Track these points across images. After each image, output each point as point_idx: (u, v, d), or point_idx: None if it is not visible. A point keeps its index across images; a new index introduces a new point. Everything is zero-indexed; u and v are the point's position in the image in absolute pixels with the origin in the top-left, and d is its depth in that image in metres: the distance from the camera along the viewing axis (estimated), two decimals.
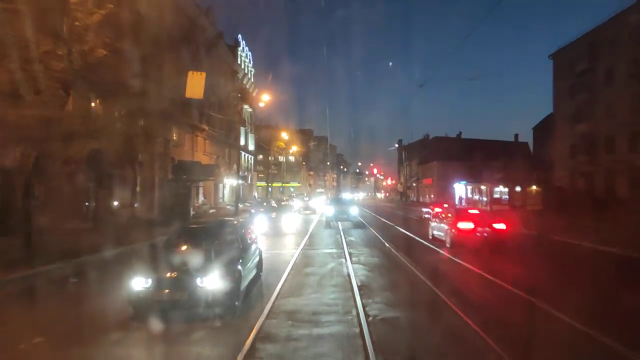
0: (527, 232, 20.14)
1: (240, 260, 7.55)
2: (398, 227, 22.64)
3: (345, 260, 12.31)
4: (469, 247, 13.75)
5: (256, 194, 56.95)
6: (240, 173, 36.98)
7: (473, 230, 14.20)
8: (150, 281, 6.48)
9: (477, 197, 45.86)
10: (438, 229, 16.48)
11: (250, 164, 55.48)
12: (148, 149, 24.16)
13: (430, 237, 16.88)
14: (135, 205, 21.92)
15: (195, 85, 14.02)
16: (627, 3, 32.94)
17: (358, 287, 8.79)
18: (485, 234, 14.09)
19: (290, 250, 14.39)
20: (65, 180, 15.79)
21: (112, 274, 9.78)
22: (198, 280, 6.46)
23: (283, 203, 40.18)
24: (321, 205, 44.06)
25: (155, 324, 6.09)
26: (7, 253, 11.23)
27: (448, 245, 14.80)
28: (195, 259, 6.90)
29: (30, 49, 10.04)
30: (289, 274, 10.21)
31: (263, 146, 61.65)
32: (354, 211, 25.30)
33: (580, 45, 39.76)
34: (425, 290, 8.75)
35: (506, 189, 43.35)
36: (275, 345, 5.68)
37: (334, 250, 14.47)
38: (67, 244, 12.68)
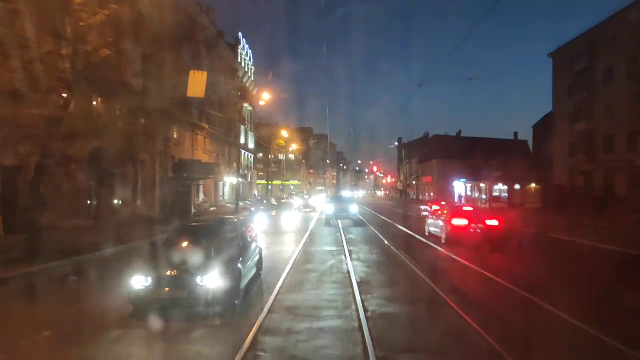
0: (526, 230, 20.30)
1: (240, 259, 7.54)
2: (397, 225, 22.86)
3: (345, 257, 12.47)
4: (463, 243, 14.08)
5: (256, 192, 57.11)
6: (240, 171, 37.09)
7: (467, 227, 14.64)
8: (150, 280, 6.48)
9: (476, 195, 46.06)
10: (434, 225, 16.88)
11: (250, 162, 55.62)
12: (149, 148, 24.33)
13: (427, 234, 17.30)
14: (137, 203, 22.06)
15: (197, 84, 14.15)
16: (626, 2, 33.04)
17: (357, 283, 8.95)
18: (478, 230, 14.54)
19: (290, 248, 14.55)
20: (67, 178, 15.94)
21: (113, 271, 9.89)
22: (198, 279, 6.46)
23: (283, 201, 40.33)
24: (321, 203, 44.21)
25: (156, 322, 6.14)
26: (11, 251, 11.41)
27: (443, 241, 15.22)
28: (195, 257, 6.91)
29: (35, 49, 10.19)
30: (289, 271, 10.35)
31: (263, 144, 61.77)
32: (354, 209, 25.44)
33: (580, 44, 39.86)
34: (422, 285, 8.97)
35: (505, 187, 43.58)
36: (277, 338, 5.84)
37: (334, 248, 14.63)
38: (70, 242, 12.86)
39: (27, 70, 10.11)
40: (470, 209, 17.35)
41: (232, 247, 7.77)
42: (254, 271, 8.86)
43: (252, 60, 54.62)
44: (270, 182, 61.30)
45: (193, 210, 27.96)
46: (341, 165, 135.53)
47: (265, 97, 37.52)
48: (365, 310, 6.95)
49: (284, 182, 74.73)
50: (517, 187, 42.91)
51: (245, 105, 47.61)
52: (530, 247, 15.48)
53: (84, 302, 7.88)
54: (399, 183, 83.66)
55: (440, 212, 17.27)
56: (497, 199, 43.02)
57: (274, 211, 31.18)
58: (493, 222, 14.90)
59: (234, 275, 6.90)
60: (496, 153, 48.22)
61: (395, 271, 10.95)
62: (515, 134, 66.70)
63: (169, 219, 19.25)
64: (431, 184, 64.90)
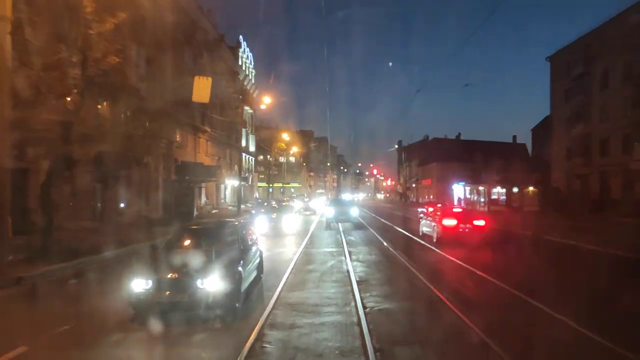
0: (520, 232, 20.79)
1: (241, 262, 7.53)
2: (395, 227, 23.45)
3: (345, 258, 12.88)
4: (452, 242, 15.09)
5: (257, 195, 57.51)
6: (241, 174, 37.51)
7: (456, 227, 15.67)
8: (150, 283, 6.47)
9: (475, 197, 46.50)
10: (427, 226, 17.94)
11: (251, 164, 56.03)
12: (152, 150, 24.74)
13: (421, 234, 18.29)
14: (142, 205, 22.46)
15: (202, 89, 14.60)
16: (623, 6, 33.46)
17: (357, 282, 9.37)
18: (467, 230, 15.59)
19: (291, 249, 14.95)
20: (74, 181, 16.34)
21: (120, 272, 10.17)
22: (198, 282, 6.44)
23: (283, 204, 40.64)
24: (321, 206, 44.53)
25: (156, 325, 6.16)
26: (22, 251, 11.79)
27: (435, 240, 16.14)
28: (195, 260, 6.88)
29: (47, 56, 10.64)
30: (291, 271, 10.74)
31: (264, 147, 62.20)
32: (354, 212, 25.67)
33: (577, 48, 40.28)
34: (417, 283, 9.49)
35: (504, 190, 44.02)
36: (281, 331, 6.26)
37: (334, 249, 15.04)
38: (78, 243, 13.25)
39: (40, 76, 10.57)
40: (459, 210, 18.51)
41: (233, 250, 7.79)
42: (254, 274, 8.88)
43: (252, 63, 55.14)
44: (270, 185, 61.74)
45: (195, 213, 28.35)
46: (341, 167, 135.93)
47: (266, 101, 38.02)
48: (364, 307, 7.37)
49: (284, 185, 75.17)
50: (515, 190, 43.36)
51: (246, 108, 48.04)
52: (520, 247, 16.17)
53: (93, 301, 8.15)
54: (398, 186, 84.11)
55: (432, 213, 18.29)
56: (496, 201, 43.49)
57: (275, 214, 31.54)
58: (480, 222, 15.97)
59: (235, 278, 6.89)
60: (495, 156, 48.64)
61: (392, 270, 11.44)
62: (514, 137, 67.25)
63: (172, 221, 19.63)
64: (430, 186, 65.32)
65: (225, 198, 44.26)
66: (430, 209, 20.64)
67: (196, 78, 15.08)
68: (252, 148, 55.48)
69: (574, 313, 6.42)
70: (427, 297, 8.18)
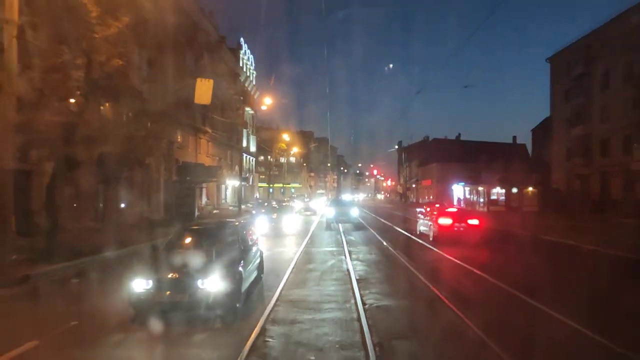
0: (520, 232, 20.96)
1: (242, 262, 7.57)
2: (394, 226, 23.80)
3: (345, 257, 13.07)
4: (448, 240, 15.75)
5: (257, 195, 57.69)
6: (242, 174, 37.69)
7: (451, 226, 16.31)
8: (151, 283, 6.49)
9: (475, 198, 46.64)
10: (424, 225, 18.59)
11: (252, 165, 56.22)
12: (154, 152, 24.91)
13: (418, 233, 18.95)
14: (144, 206, 22.64)
15: (204, 91, 14.79)
16: (624, 6, 33.60)
17: (356, 280, 9.56)
18: (461, 228, 16.21)
19: (292, 249, 15.12)
20: (78, 182, 16.51)
21: (123, 271, 10.36)
22: (199, 282, 6.46)
23: (284, 204, 40.76)
24: (322, 206, 44.69)
25: (156, 325, 6.19)
26: (26, 251, 11.96)
27: (431, 238, 16.82)
28: (196, 260, 6.90)
29: (51, 59, 10.82)
30: (292, 269, 10.92)
31: (264, 148, 62.41)
32: (355, 212, 25.75)
33: (577, 49, 40.43)
34: (415, 281, 9.74)
35: (503, 191, 44.17)
36: (284, 326, 6.44)
37: (334, 249, 15.22)
38: (81, 243, 13.43)
39: (44, 78, 10.75)
40: (455, 210, 19.07)
41: (233, 250, 7.81)
42: (255, 274, 8.90)
43: (253, 64, 55.35)
44: (271, 185, 61.99)
45: (197, 213, 28.53)
46: (342, 168, 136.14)
47: (267, 102, 38.21)
48: (363, 304, 7.56)
49: (285, 185, 75.36)
50: (515, 190, 43.51)
51: (247, 108, 48.25)
52: (514, 246, 16.64)
53: (97, 299, 8.29)
54: (398, 186, 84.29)
55: (428, 213, 18.93)
56: (495, 202, 43.63)
57: (275, 214, 31.69)
58: (474, 222, 16.56)
59: (235, 278, 6.90)
60: (495, 156, 48.77)
61: (391, 269, 11.66)
62: (514, 137, 67.42)
63: (174, 222, 19.79)
64: (431, 187, 65.49)
65: (226, 198, 44.45)
66: (429, 209, 21.06)
67: (198, 80, 15.28)
68: (252, 149, 55.66)
69: (560, 305, 6.86)
70: (424, 294, 8.44)
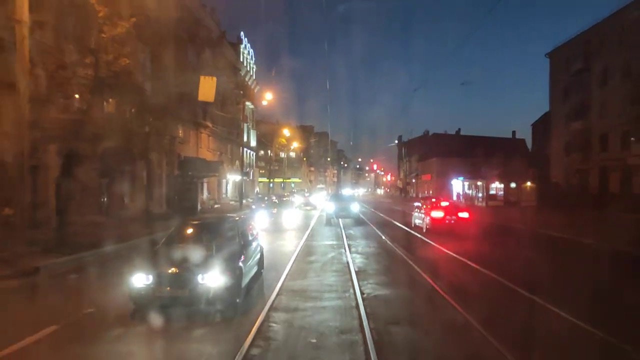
0: (516, 226, 21.43)
1: (242, 257, 7.59)
2: (393, 221, 24.39)
3: (345, 250, 13.48)
4: (440, 232, 16.92)
5: (258, 190, 58.07)
6: (242, 169, 38.05)
7: (443, 218, 17.61)
8: (151, 277, 6.51)
9: (473, 193, 47.02)
10: (418, 218, 19.82)
11: (252, 159, 56.53)
12: (156, 146, 25.25)
13: (413, 225, 20.14)
14: (146, 200, 23.02)
15: (207, 89, 15.09)
16: (623, 3, 33.75)
17: (355, 271, 9.97)
18: (452, 221, 17.51)
19: (293, 242, 15.54)
20: (83, 177, 16.88)
21: (132, 262, 10.72)
22: (199, 277, 6.47)
23: (284, 199, 41.10)
24: (322, 201, 45.06)
25: (157, 320, 6.30)
26: (36, 244, 12.36)
27: (424, 230, 18.08)
28: (196, 255, 6.93)
29: (61, 58, 11.16)
30: (293, 262, 11.33)
31: (264, 142, 62.67)
32: (355, 207, 25.83)
33: (576, 45, 40.59)
34: (411, 272, 10.23)
35: (502, 185, 44.55)
36: (287, 313, 6.85)
37: (334, 242, 15.63)
38: (87, 236, 13.83)
39: (53, 76, 11.09)
40: (446, 203, 20.10)
41: (233, 245, 7.83)
42: (255, 269, 8.93)
43: (253, 58, 55.50)
44: (271, 180, 62.33)
45: (199, 207, 28.91)
46: (342, 163, 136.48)
47: (267, 97, 38.45)
48: (362, 293, 7.99)
49: (285, 180, 75.65)
50: (513, 185, 43.88)
51: (247, 103, 48.50)
52: (506, 239, 17.43)
53: (108, 289, 8.53)
54: (398, 181, 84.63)
55: (422, 207, 20.04)
56: (494, 196, 44.01)
57: (275, 209, 32.08)
58: (464, 215, 17.94)
59: (235, 273, 6.91)
60: (494, 151, 49.07)
61: (389, 261, 12.12)
62: (513, 132, 67.65)
63: (176, 216, 20.17)
64: (430, 181, 65.83)
65: (226, 193, 44.83)
66: (423, 203, 21.82)
67: (202, 78, 15.56)
68: (253, 143, 55.95)
69: (534, 286, 7.90)
70: (419, 285, 8.92)
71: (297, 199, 44.60)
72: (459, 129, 68.44)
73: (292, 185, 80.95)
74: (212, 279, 6.50)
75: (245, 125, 47.39)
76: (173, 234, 8.48)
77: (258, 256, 9.51)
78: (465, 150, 56.23)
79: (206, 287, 6.47)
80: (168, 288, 6.54)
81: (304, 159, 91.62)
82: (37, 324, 6.19)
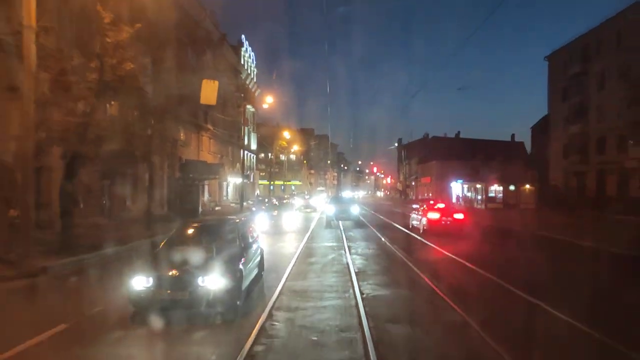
0: (515, 228, 21.69)
1: (242, 260, 7.57)
2: (392, 223, 24.66)
3: (345, 251, 13.67)
4: (436, 232, 17.47)
5: (258, 192, 58.24)
6: (243, 172, 38.24)
7: (439, 220, 18.14)
8: (151, 280, 6.48)
9: (473, 195, 47.23)
10: (415, 219, 20.33)
11: (253, 162, 56.72)
12: (158, 149, 25.44)
13: (410, 227, 20.63)
14: (148, 202, 23.19)
15: (209, 92, 15.30)
16: (622, 6, 34.04)
17: (355, 272, 10.16)
18: (448, 222, 18.08)
19: (293, 244, 15.71)
20: (87, 179, 17.09)
21: (135, 263, 10.89)
22: (199, 280, 6.46)
23: (284, 201, 41.33)
24: (322, 203, 45.20)
25: (157, 322, 6.28)
26: (42, 245, 12.54)
27: (421, 231, 18.58)
28: (196, 258, 6.91)
29: (66, 61, 11.38)
30: (294, 263, 11.51)
31: (265, 145, 62.88)
32: (355, 210, 25.95)
33: (574, 48, 40.90)
34: (409, 273, 10.46)
35: (501, 188, 44.78)
36: (288, 312, 7.05)
37: (335, 244, 15.80)
38: (92, 237, 14.03)
39: (59, 80, 11.31)
40: (442, 205, 20.52)
41: (234, 248, 7.83)
42: (255, 272, 8.92)
43: (254, 61, 55.76)
44: (272, 182, 62.50)
45: (200, 209, 29.07)
46: (342, 165, 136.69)
47: (268, 101, 38.67)
48: (361, 293, 8.18)
49: (285, 183, 75.87)
50: (512, 187, 44.11)
51: (248, 106, 48.70)
52: (502, 240, 17.96)
53: (115, 289, 8.46)
54: (398, 183, 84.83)
55: (420, 208, 20.59)
56: (493, 199, 44.23)
57: (276, 211, 32.25)
58: (459, 216, 18.54)
59: (236, 276, 6.90)
60: (494, 154, 49.37)
61: (388, 262, 12.32)
62: (512, 135, 68.00)
63: (177, 218, 20.35)
64: (430, 184, 66.08)
65: (227, 195, 44.99)
66: (420, 205, 22.24)
67: (204, 81, 15.79)
68: (253, 146, 56.15)
69: (525, 283, 8.39)
70: (417, 286, 9.15)
71: (298, 202, 44.76)
72: (459, 132, 68.89)
73: (293, 187, 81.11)
74: (213, 281, 6.49)
75: (245, 128, 47.58)
76: (173, 236, 8.47)
77: (258, 258, 9.53)
78: (465, 153, 56.50)
79: (206, 290, 6.46)
80: (168, 290, 6.52)
81: (304, 161, 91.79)
82: (47, 323, 6.34)
